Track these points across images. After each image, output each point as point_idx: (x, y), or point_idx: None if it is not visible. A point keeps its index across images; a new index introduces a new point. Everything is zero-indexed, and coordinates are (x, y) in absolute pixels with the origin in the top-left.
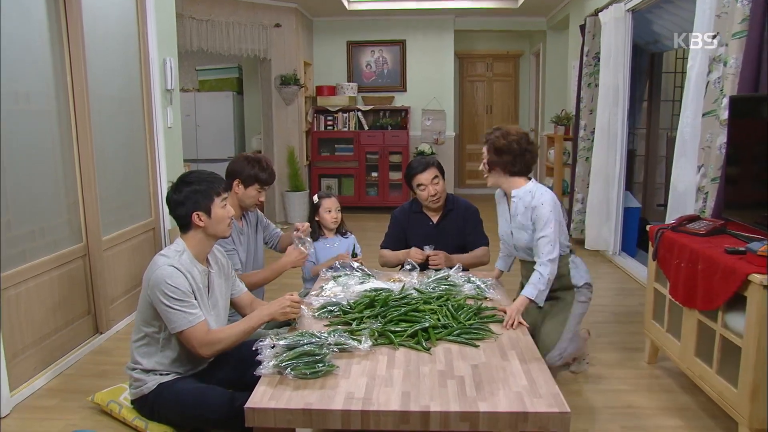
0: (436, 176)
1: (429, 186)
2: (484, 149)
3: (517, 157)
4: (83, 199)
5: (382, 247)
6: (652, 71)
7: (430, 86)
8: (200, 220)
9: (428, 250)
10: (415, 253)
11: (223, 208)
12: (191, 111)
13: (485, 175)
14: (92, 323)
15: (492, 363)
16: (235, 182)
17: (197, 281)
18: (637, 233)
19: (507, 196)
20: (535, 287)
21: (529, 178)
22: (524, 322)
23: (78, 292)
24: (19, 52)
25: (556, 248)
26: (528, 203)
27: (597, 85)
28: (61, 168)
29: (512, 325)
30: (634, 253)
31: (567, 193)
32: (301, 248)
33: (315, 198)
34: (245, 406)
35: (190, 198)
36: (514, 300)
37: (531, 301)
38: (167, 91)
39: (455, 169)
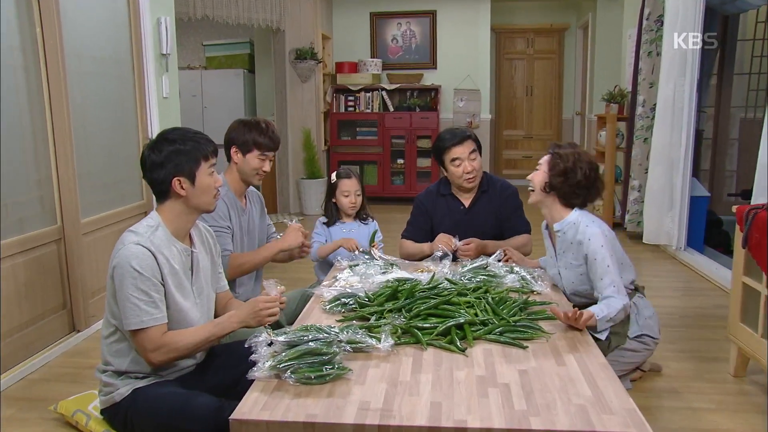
0: (473, 150)
1: (466, 161)
2: (545, 162)
3: (585, 189)
4: (57, 173)
5: (404, 236)
6: (725, 38)
7: (463, 63)
8: (181, 187)
9: (457, 242)
10: (442, 238)
11: (210, 175)
12: (197, 90)
13: (530, 189)
14: (67, 320)
15: (545, 368)
16: (233, 150)
17: (173, 263)
18: (704, 226)
19: (549, 228)
20: (602, 310)
21: (574, 206)
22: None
23: (50, 282)
24: None
25: (621, 292)
26: (573, 237)
27: (659, 54)
28: (30, 134)
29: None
30: (702, 248)
31: (619, 180)
32: (292, 224)
33: (333, 177)
34: (230, 417)
35: (171, 159)
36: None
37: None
38: (162, 56)
39: (491, 155)
